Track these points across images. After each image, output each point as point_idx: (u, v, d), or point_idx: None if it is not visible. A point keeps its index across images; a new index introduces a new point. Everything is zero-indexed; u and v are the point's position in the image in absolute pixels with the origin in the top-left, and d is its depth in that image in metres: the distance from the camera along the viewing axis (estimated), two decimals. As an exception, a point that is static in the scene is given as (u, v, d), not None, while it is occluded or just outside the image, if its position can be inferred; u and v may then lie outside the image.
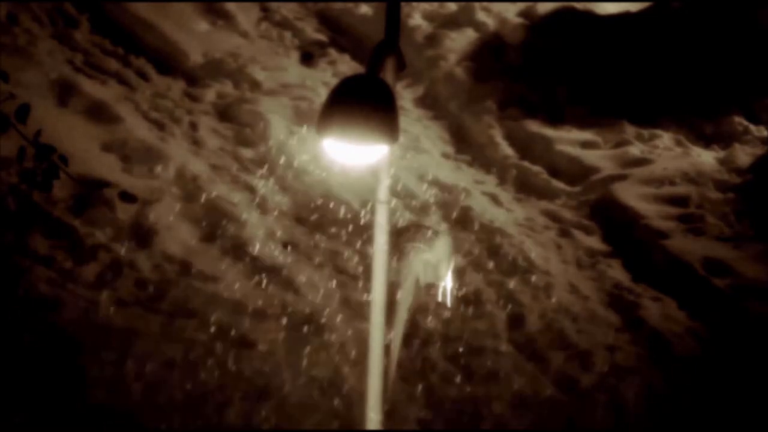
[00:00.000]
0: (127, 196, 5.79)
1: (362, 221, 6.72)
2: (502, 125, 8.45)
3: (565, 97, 8.73)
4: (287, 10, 9.73)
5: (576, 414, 5.60)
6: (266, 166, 7.34)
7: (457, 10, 9.78)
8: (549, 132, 8.35)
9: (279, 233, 6.67)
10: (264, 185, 7.12)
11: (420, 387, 5.60)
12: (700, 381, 5.81)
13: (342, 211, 6.88)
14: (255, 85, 8.47)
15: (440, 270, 4.79)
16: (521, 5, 9.83)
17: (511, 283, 6.50)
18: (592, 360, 5.92)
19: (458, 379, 5.71)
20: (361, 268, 6.38)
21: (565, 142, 8.26)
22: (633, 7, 9.54)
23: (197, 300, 5.94)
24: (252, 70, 8.61)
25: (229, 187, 6.98)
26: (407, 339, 5.39)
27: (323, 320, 5.92)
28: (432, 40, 9.43)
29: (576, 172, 7.99)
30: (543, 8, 9.68)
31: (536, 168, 7.99)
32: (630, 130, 8.37)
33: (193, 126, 7.75)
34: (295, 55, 9.22)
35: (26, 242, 6.01)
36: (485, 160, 8.15)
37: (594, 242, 7.15)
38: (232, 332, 5.74)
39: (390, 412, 5.05)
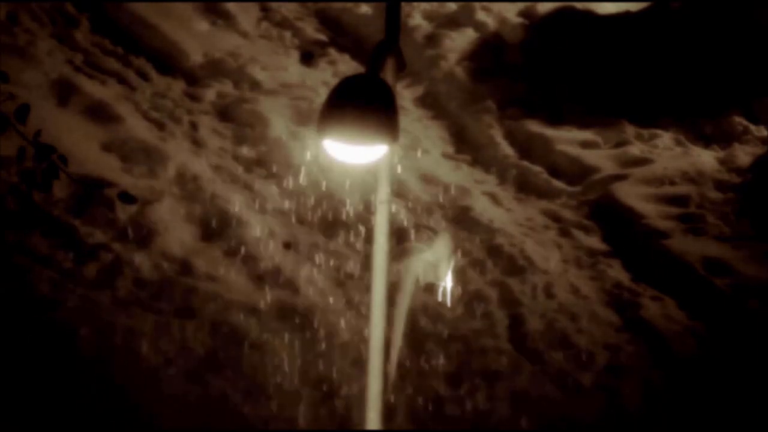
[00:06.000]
0: (127, 197, 5.78)
1: (362, 221, 6.72)
2: (502, 125, 8.45)
3: (565, 96, 8.73)
4: (287, 10, 9.72)
5: (576, 414, 5.60)
6: (266, 166, 7.35)
7: (457, 10, 9.78)
8: (549, 132, 8.35)
9: (279, 233, 6.68)
10: (264, 185, 7.12)
11: (420, 387, 5.59)
12: (700, 381, 5.81)
13: (342, 211, 6.88)
14: (255, 85, 8.47)
15: (440, 270, 4.80)
16: (521, 5, 9.82)
17: (511, 283, 6.50)
18: (592, 360, 5.92)
19: (458, 378, 5.71)
20: (361, 268, 6.38)
21: (565, 142, 8.25)
22: (633, 7, 9.53)
23: (197, 300, 5.94)
24: (252, 70, 8.61)
25: (229, 187, 6.98)
26: (407, 339, 5.40)
27: (323, 320, 5.92)
28: (432, 40, 9.43)
29: (576, 172, 7.98)
30: (543, 8, 9.68)
31: (536, 168, 7.98)
32: (630, 130, 8.36)
33: (193, 126, 7.75)
34: (295, 55, 9.21)
35: (26, 242, 6.01)
36: (485, 160, 8.14)
37: (594, 242, 7.15)
38: (232, 332, 5.74)
39: (390, 412, 5.05)
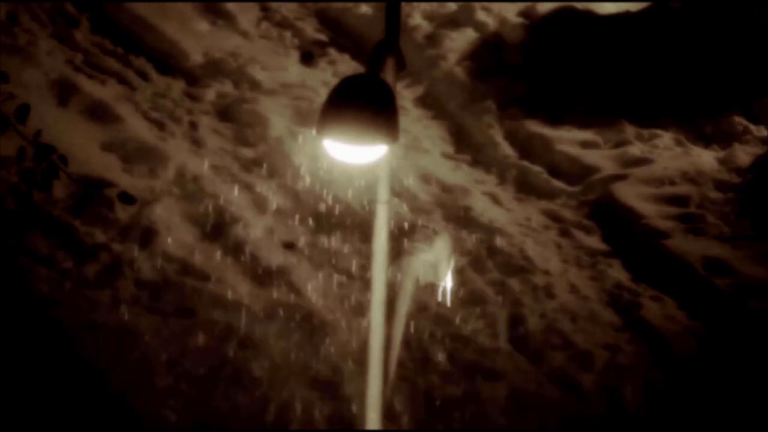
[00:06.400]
0: (127, 197, 5.79)
1: (362, 221, 6.72)
2: (502, 125, 8.45)
3: (565, 96, 8.73)
4: (287, 10, 9.73)
5: (576, 414, 5.59)
6: (266, 166, 7.35)
7: (457, 10, 9.78)
8: (549, 132, 8.35)
9: (279, 233, 6.68)
10: (264, 185, 7.12)
11: (420, 387, 5.59)
12: (700, 381, 5.81)
13: (342, 211, 6.88)
14: (255, 85, 8.47)
15: (440, 270, 4.79)
16: (521, 5, 9.83)
17: (511, 283, 6.50)
18: (592, 360, 5.92)
19: (458, 378, 5.70)
20: (361, 268, 6.38)
21: (565, 142, 8.25)
22: (633, 7, 9.53)
23: (197, 300, 5.94)
24: (252, 70, 8.61)
25: (229, 187, 6.99)
26: (407, 339, 5.39)
27: (323, 320, 5.93)
28: (432, 39, 9.43)
29: (576, 172, 7.98)
30: (543, 8, 9.68)
31: (536, 168, 7.98)
32: (630, 130, 8.36)
33: (193, 126, 7.75)
34: (295, 55, 9.22)
35: (26, 242, 6.02)
36: (485, 160, 8.14)
37: (594, 242, 7.15)
38: (232, 332, 5.74)
39: (390, 412, 5.05)
